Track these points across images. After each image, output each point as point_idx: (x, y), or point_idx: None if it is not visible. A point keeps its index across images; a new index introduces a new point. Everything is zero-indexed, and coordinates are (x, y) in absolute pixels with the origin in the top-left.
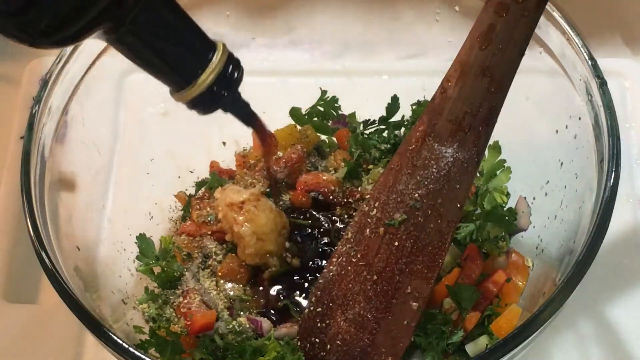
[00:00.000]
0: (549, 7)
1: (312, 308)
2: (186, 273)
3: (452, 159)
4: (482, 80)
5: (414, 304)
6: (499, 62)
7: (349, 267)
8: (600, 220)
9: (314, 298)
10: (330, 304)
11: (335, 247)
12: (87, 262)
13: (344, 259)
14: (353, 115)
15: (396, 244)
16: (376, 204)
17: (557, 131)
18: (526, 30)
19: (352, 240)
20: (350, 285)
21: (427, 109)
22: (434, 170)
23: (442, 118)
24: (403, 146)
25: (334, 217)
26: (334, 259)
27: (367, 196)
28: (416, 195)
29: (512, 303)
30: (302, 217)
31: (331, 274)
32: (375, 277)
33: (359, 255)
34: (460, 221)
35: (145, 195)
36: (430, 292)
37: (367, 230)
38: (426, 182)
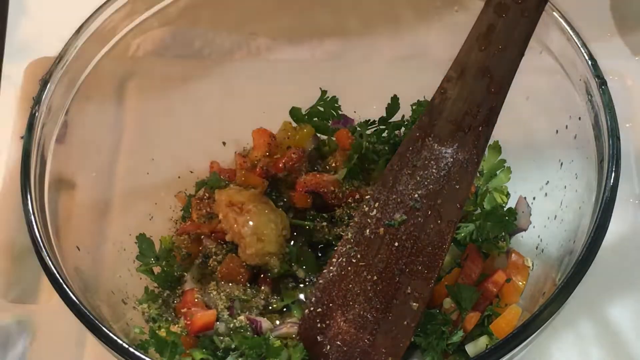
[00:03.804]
0: (549, 7)
1: (312, 308)
2: (186, 273)
3: (452, 159)
4: (482, 81)
5: (414, 304)
6: (499, 62)
7: (349, 268)
8: (600, 220)
9: (313, 298)
10: (330, 305)
11: (335, 248)
12: (87, 262)
13: (344, 260)
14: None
15: (396, 244)
16: (376, 205)
17: (557, 131)
18: (526, 30)
19: (352, 240)
20: (351, 286)
21: (427, 109)
22: (433, 170)
23: (442, 118)
24: (403, 146)
25: (333, 218)
26: (334, 260)
27: (367, 196)
28: (416, 195)
29: (512, 303)
30: (302, 217)
31: (331, 274)
32: (375, 277)
33: (359, 256)
34: (460, 221)
35: (145, 195)
36: (430, 292)
37: (367, 230)
38: (426, 183)
